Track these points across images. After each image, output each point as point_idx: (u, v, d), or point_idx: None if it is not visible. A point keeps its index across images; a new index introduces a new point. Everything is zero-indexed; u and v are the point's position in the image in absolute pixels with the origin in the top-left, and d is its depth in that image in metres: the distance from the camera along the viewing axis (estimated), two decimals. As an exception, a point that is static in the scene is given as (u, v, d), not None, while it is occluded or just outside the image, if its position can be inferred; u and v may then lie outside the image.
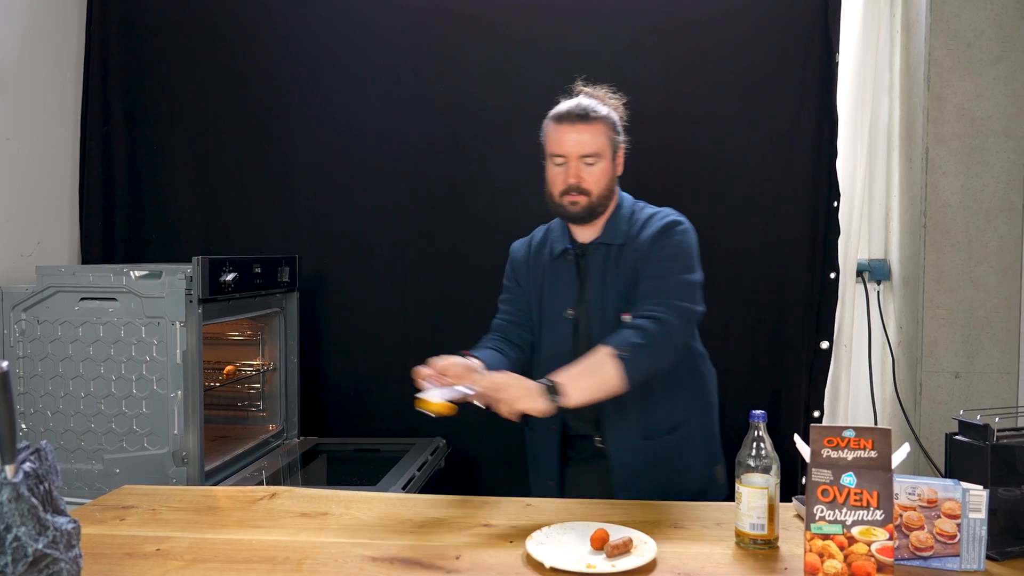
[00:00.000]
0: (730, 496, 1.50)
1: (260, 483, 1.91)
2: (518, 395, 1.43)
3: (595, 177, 1.61)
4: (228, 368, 2.26)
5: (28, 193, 2.31)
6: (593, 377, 1.48)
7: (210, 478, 1.87)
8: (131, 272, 1.81)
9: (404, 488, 1.87)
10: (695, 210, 2.31)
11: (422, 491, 1.89)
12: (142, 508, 1.53)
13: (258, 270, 2.04)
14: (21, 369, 1.85)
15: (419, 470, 1.96)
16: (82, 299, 1.83)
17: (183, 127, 2.49)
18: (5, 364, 0.97)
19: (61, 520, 1.06)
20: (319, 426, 2.41)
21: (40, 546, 1.01)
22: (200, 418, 1.81)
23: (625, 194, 1.71)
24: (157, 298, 1.79)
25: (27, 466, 1.03)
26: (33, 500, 1.02)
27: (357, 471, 2.19)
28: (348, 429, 2.40)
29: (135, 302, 1.80)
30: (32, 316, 1.85)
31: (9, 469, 1.01)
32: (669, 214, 1.65)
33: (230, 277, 1.88)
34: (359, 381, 2.37)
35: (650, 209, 1.68)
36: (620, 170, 1.67)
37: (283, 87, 2.45)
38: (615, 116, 1.66)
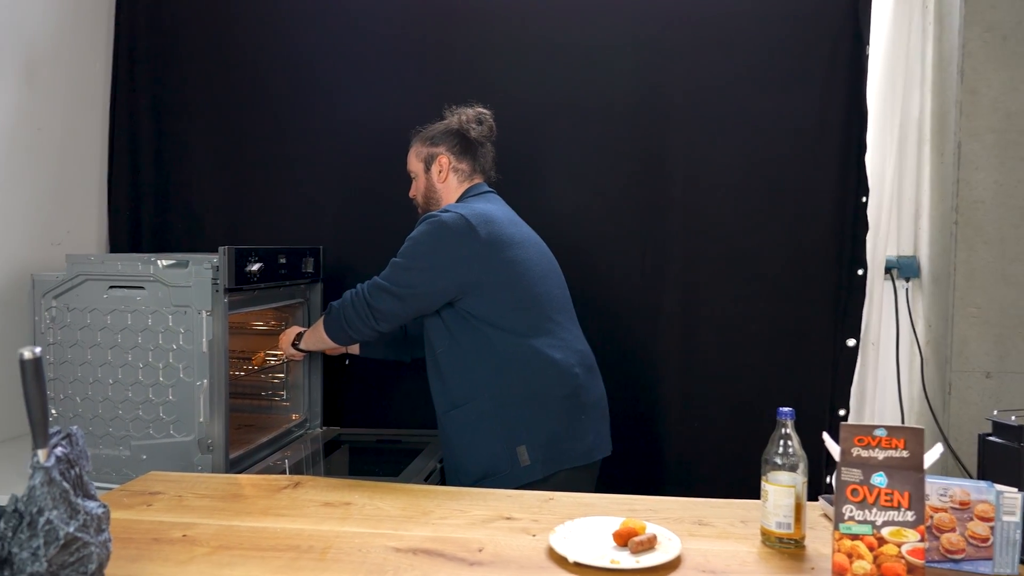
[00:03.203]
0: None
1: (283, 472, 1.92)
2: (281, 343, 2.10)
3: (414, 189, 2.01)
4: (258, 356, 2.28)
5: (58, 182, 2.33)
6: (314, 329, 1.98)
7: (234, 466, 1.88)
8: (158, 261, 1.81)
9: (426, 480, 1.87)
10: (720, 205, 2.34)
11: (443, 483, 1.89)
12: (169, 494, 1.55)
13: (283, 260, 2.03)
14: (51, 355, 1.87)
15: (440, 462, 1.96)
16: (111, 287, 1.83)
17: (208, 118, 2.50)
18: (38, 350, 0.99)
19: (91, 504, 1.07)
20: (341, 416, 2.42)
21: (71, 529, 1.02)
22: (225, 406, 1.80)
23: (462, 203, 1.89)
24: (184, 287, 1.79)
25: (59, 451, 1.05)
26: (64, 484, 1.03)
27: (379, 462, 2.19)
28: (369, 420, 2.41)
29: (162, 291, 1.80)
30: (62, 303, 1.86)
31: (41, 453, 1.02)
32: (433, 212, 1.83)
33: (255, 267, 1.87)
34: (381, 371, 2.36)
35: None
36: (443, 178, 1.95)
37: (307, 78, 2.45)
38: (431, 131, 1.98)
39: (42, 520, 1.01)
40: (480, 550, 1.26)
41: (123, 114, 2.52)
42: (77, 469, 1.07)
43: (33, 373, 0.98)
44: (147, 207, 2.53)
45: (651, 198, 2.32)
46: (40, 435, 1.01)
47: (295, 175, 2.47)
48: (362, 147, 2.43)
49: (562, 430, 1.76)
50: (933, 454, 1.15)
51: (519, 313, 1.78)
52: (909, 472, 1.09)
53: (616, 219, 2.33)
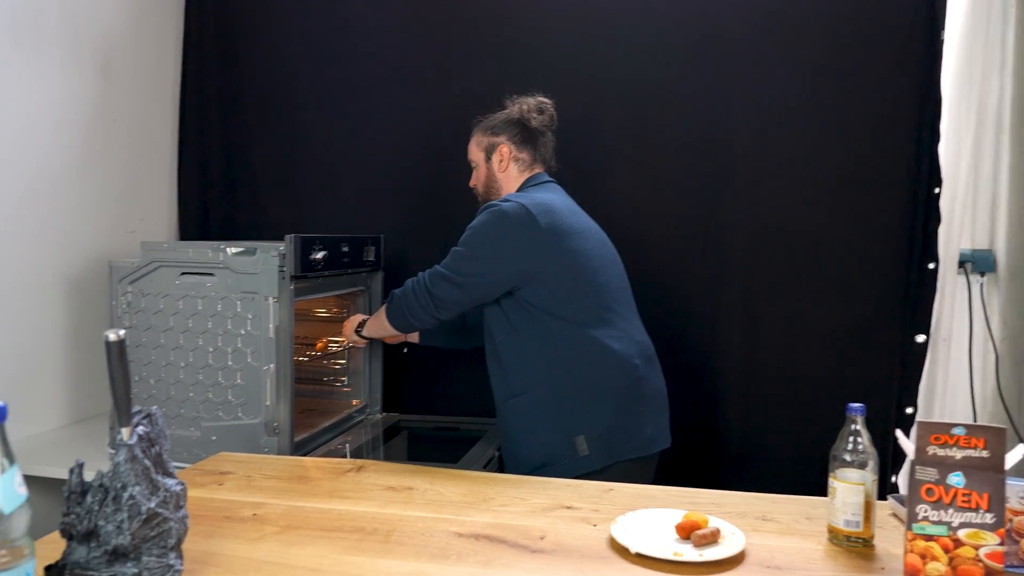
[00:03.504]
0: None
1: (345, 456, 1.96)
2: (345, 330, 2.15)
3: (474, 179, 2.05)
4: (321, 341, 2.32)
5: (132, 172, 2.42)
6: (376, 317, 2.03)
7: (299, 449, 1.92)
8: (227, 249, 1.85)
9: (484, 467, 1.89)
10: (784, 196, 2.28)
11: (501, 471, 1.90)
12: (238, 474, 1.60)
13: (345, 249, 2.07)
14: (128, 338, 1.94)
15: (498, 450, 1.98)
16: (182, 273, 1.88)
17: (271, 111, 2.55)
18: (122, 332, 1.03)
19: (170, 482, 1.12)
20: (400, 403, 2.45)
21: (152, 505, 1.07)
22: (291, 391, 1.84)
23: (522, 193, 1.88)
24: (252, 274, 1.83)
25: (140, 429, 1.09)
26: (146, 462, 1.08)
27: (438, 448, 2.22)
28: (428, 407, 2.44)
29: (231, 278, 1.84)
30: (137, 289, 1.92)
31: (125, 431, 1.06)
32: (494, 202, 1.83)
33: (320, 255, 1.92)
34: (440, 359, 2.39)
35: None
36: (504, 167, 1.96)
37: (367, 69, 2.47)
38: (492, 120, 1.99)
39: (126, 495, 1.05)
40: (541, 538, 1.27)
41: (192, 107, 2.59)
42: (157, 448, 1.12)
43: (118, 354, 1.02)
44: (214, 196, 2.60)
45: (713, 189, 2.28)
46: (124, 414, 1.05)
47: (356, 165, 2.50)
48: (423, 137, 2.45)
49: (621, 421, 1.75)
50: (1016, 455, 1.11)
51: (579, 303, 1.78)
52: (989, 473, 1.06)
53: (677, 210, 2.30)
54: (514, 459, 1.83)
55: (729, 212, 2.28)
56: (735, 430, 2.28)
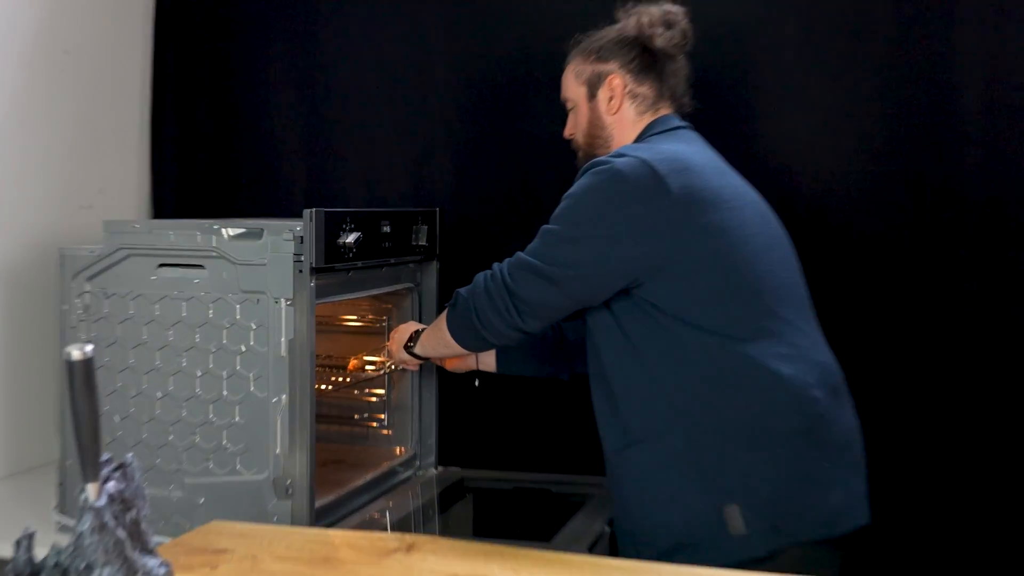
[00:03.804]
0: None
1: (387, 528, 1.96)
2: (393, 346, 2.16)
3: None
4: (353, 362, 2.34)
5: (89, 124, 2.50)
6: (434, 328, 2.03)
7: (321, 517, 1.92)
8: (223, 230, 1.85)
9: (591, 548, 1.86)
10: None
11: (614, 553, 1.87)
12: (238, 554, 1.59)
13: (387, 229, 2.07)
14: (85, 358, 2.00)
15: (610, 523, 1.94)
16: (160, 265, 1.90)
17: (285, 31, 2.60)
18: (89, 349, 1.05)
19: (151, 562, 1.13)
20: (464, 452, 2.44)
21: (128, 595, 1.08)
22: (311, 434, 1.84)
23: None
24: (257, 265, 1.82)
25: (111, 486, 1.11)
26: (119, 532, 1.09)
27: (520, 519, 2.22)
28: (505, 459, 2.43)
29: (228, 271, 1.84)
30: (98, 287, 1.95)
31: (91, 489, 1.08)
32: (602, 158, 1.81)
33: (351, 238, 1.90)
34: (523, 390, 2.39)
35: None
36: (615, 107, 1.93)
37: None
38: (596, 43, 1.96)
39: (91, 580, 1.07)
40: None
41: (171, 31, 2.64)
42: (134, 512, 1.14)
43: (83, 379, 1.04)
44: (202, 155, 2.66)
45: (929, 133, 2.23)
46: (90, 464, 1.07)
47: (400, 109, 2.52)
48: (494, 66, 2.45)
49: (794, 483, 1.71)
50: None
51: (730, 305, 1.74)
52: None
53: (874, 166, 2.26)
54: (633, 538, 1.80)
55: (957, 165, 2.21)
56: (976, 502, 2.20)
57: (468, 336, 1.92)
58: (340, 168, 2.58)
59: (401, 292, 2.31)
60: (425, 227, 2.24)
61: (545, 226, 1.81)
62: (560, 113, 2.05)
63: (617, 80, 1.94)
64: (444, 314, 1.98)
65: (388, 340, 2.20)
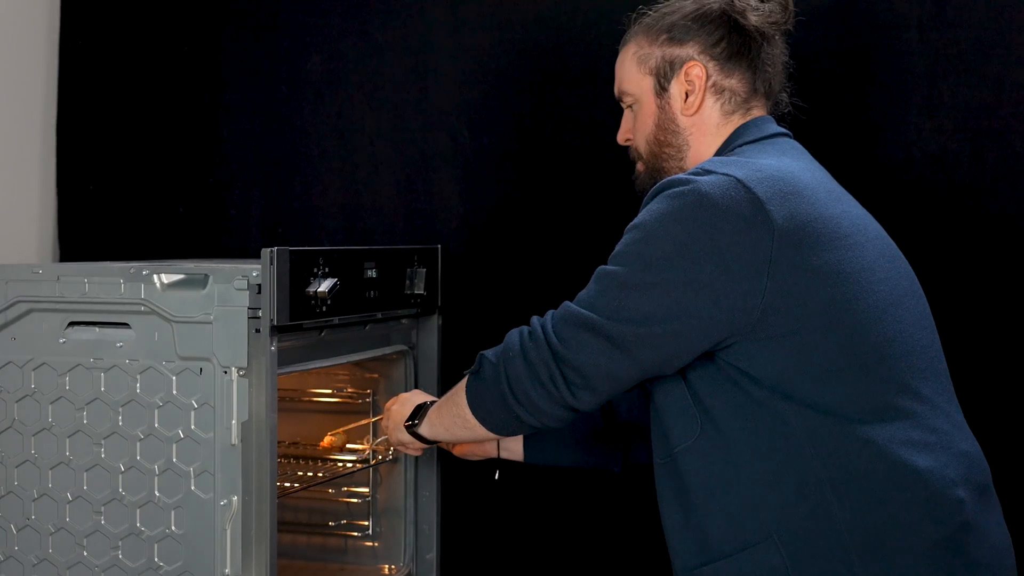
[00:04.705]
0: None
1: None
2: (390, 423, 2.12)
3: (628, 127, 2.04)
4: (328, 438, 2.30)
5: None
6: (448, 402, 1.98)
7: (286, 666, 1.89)
8: (155, 276, 1.83)
9: None
10: None
11: None
12: None
13: (372, 273, 2.05)
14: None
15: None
16: (71, 324, 1.89)
17: (239, 16, 2.62)
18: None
19: None
20: (477, 571, 2.43)
21: None
22: (271, 548, 1.81)
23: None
24: (200, 323, 1.81)
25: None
26: None
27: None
28: (527, 573, 2.38)
29: (161, 331, 1.83)
30: (-13, 353, 1.86)
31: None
32: (680, 177, 1.75)
33: (325, 286, 1.87)
34: (554, 488, 2.38)
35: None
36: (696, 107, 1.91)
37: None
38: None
39: None
40: None
41: (83, 14, 2.65)
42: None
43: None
44: (126, 176, 2.63)
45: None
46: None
47: (389, 115, 2.53)
48: (508, 58, 2.48)
49: None
50: None
51: (848, 376, 1.68)
52: None
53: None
54: None
55: None
56: None
57: (496, 415, 1.83)
58: (310, 191, 2.54)
59: (391, 357, 2.29)
60: (423, 270, 2.22)
61: (603, 267, 1.72)
62: (609, 113, 2.02)
63: (697, 69, 1.89)
64: (463, 384, 1.88)
65: (384, 414, 2.07)
